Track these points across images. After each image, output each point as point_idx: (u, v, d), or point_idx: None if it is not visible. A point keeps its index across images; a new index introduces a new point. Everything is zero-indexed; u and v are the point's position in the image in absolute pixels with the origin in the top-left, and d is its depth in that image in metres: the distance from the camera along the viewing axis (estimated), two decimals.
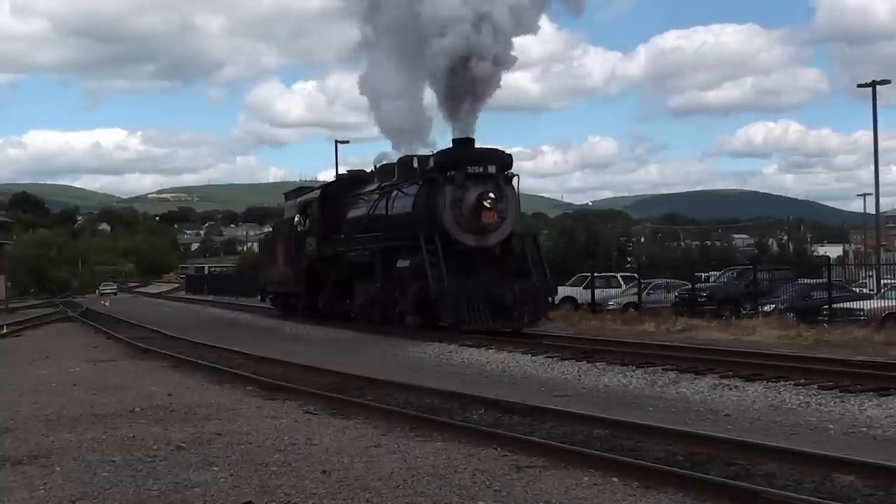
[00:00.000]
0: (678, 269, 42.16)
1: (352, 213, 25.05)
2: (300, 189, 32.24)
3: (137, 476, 7.44)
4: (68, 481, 7.38)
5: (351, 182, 26.90)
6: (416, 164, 22.13)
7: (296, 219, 28.66)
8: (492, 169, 20.21)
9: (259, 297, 36.75)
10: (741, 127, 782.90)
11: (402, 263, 20.55)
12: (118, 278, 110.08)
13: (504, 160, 20.61)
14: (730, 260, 55.25)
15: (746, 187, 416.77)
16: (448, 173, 20.08)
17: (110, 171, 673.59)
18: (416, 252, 20.00)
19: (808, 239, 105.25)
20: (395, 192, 22.26)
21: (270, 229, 36.23)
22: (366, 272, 23.06)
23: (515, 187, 20.99)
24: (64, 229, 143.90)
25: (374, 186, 24.40)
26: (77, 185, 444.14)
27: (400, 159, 23.27)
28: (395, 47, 24.01)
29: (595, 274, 33.20)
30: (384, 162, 25.07)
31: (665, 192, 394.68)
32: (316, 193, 27.98)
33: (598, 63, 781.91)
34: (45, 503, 6.81)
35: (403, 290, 20.73)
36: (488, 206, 19.88)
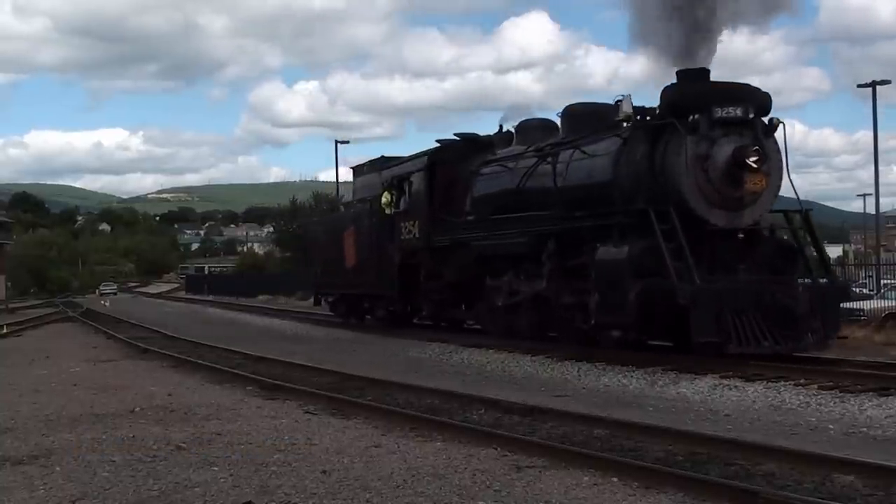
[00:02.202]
0: None
1: (482, 188, 18.46)
2: (380, 161, 23.90)
3: (137, 476, 7.44)
4: (68, 481, 7.38)
5: (467, 148, 19.92)
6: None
7: (383, 198, 21.56)
8: (751, 112, 13.70)
9: (313, 301, 30.17)
10: None
11: (610, 253, 13.88)
12: (118, 278, 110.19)
13: (762, 101, 14.05)
14: None
15: None
16: (691, 117, 13.50)
17: (111, 171, 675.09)
18: (632, 235, 13.66)
19: (807, 239, 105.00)
20: (570, 153, 15.65)
21: (331, 214, 28.88)
22: (510, 267, 17.14)
23: (780, 141, 14.05)
24: (64, 229, 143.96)
25: (511, 150, 18.20)
26: (78, 185, 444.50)
27: (569, 110, 16.78)
28: None
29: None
30: (521, 121, 18.78)
31: None
32: (420, 162, 20.64)
33: (600, 63, 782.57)
34: (45, 503, 6.81)
35: (609, 291, 13.78)
36: (754, 165, 13.43)
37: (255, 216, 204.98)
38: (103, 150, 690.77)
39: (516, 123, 18.77)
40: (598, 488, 6.71)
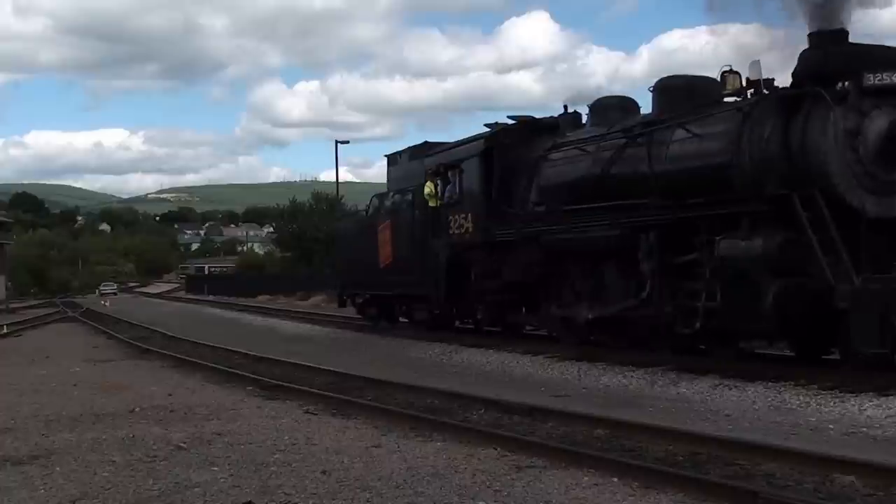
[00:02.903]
0: None
1: (553, 175, 15.97)
2: (423, 148, 21.21)
3: (137, 476, 7.44)
4: (68, 481, 7.38)
5: (528, 132, 17.51)
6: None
7: (427, 189, 19.15)
8: None
9: (338, 303, 27.16)
10: None
11: (737, 247, 11.76)
12: (118, 278, 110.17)
13: None
14: None
15: None
16: (839, 85, 11.48)
17: (112, 171, 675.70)
18: (765, 226, 11.63)
19: None
20: (670, 132, 13.53)
21: (361, 210, 25.29)
22: (590, 264, 14.95)
23: None
24: (64, 229, 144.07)
25: (587, 131, 15.91)
26: (78, 185, 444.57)
27: (663, 84, 14.37)
28: None
29: None
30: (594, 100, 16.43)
31: None
32: (474, 147, 18.07)
33: (600, 63, 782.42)
34: (45, 503, 6.81)
35: (736, 293, 11.77)
36: None
37: (255, 216, 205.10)
38: (103, 150, 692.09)
39: (589, 104, 16.40)
40: (599, 488, 6.71)
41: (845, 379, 10.86)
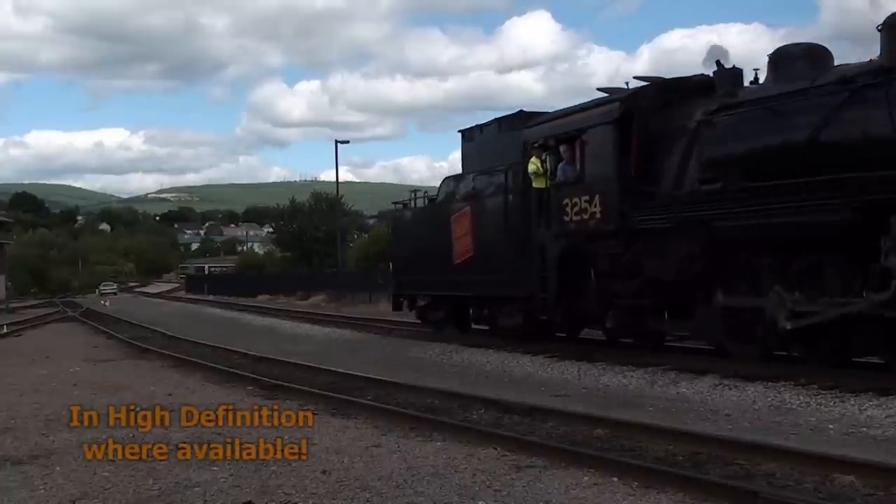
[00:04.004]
0: None
1: (724, 143, 12.68)
2: (519, 117, 17.49)
3: (137, 476, 7.43)
4: (68, 481, 7.38)
5: (674, 93, 14.22)
6: None
7: (530, 166, 15.64)
8: None
9: (392, 305, 23.04)
10: None
11: None
12: (118, 278, 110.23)
13: None
14: None
15: None
16: None
17: (112, 170, 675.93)
18: None
19: None
20: None
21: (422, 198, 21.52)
22: (788, 258, 11.91)
23: None
24: (64, 229, 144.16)
25: (769, 88, 12.55)
26: (78, 184, 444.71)
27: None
28: None
29: None
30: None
31: None
32: (604, 113, 14.45)
33: (602, 62, 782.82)
34: (46, 503, 6.81)
35: None
36: None
37: (255, 216, 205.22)
38: (104, 150, 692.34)
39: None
40: (598, 488, 6.71)
41: (845, 379, 10.87)
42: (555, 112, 16.51)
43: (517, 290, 16.37)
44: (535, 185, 15.68)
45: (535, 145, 15.69)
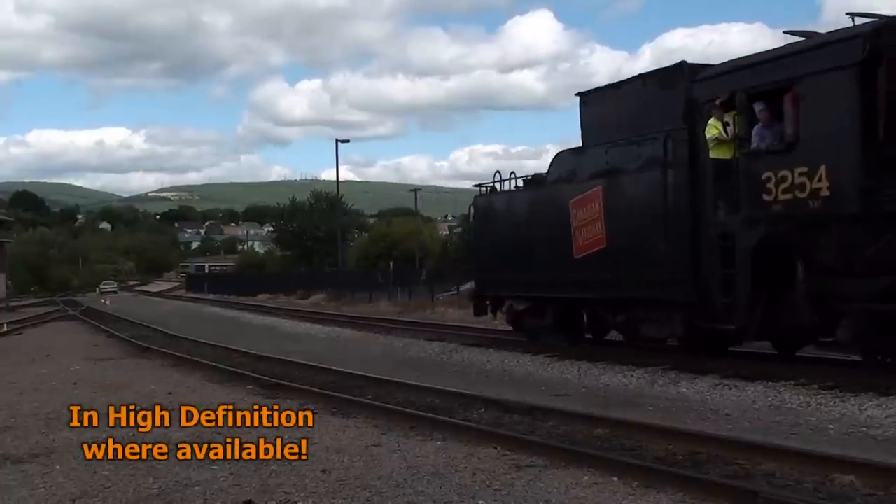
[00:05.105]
0: None
1: None
2: (678, 70, 13.67)
3: (137, 475, 7.44)
4: (68, 480, 7.39)
5: None
6: None
7: (711, 129, 12.25)
8: None
9: (474, 310, 19.53)
10: None
11: None
12: (118, 277, 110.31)
13: None
14: None
15: None
16: None
17: (113, 169, 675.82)
18: None
19: None
20: None
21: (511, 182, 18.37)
22: None
23: None
24: (64, 228, 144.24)
25: None
26: (79, 183, 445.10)
27: None
28: None
29: None
30: None
31: None
32: (838, 53, 10.94)
33: (604, 62, 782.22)
34: (46, 501, 6.81)
35: None
36: None
37: (256, 215, 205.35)
38: (105, 149, 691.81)
39: None
40: (598, 487, 6.71)
41: (845, 379, 10.86)
42: (742, 59, 12.86)
43: (677, 292, 13.05)
44: (713, 154, 12.38)
45: (716, 104, 12.33)
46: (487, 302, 18.62)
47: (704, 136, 12.42)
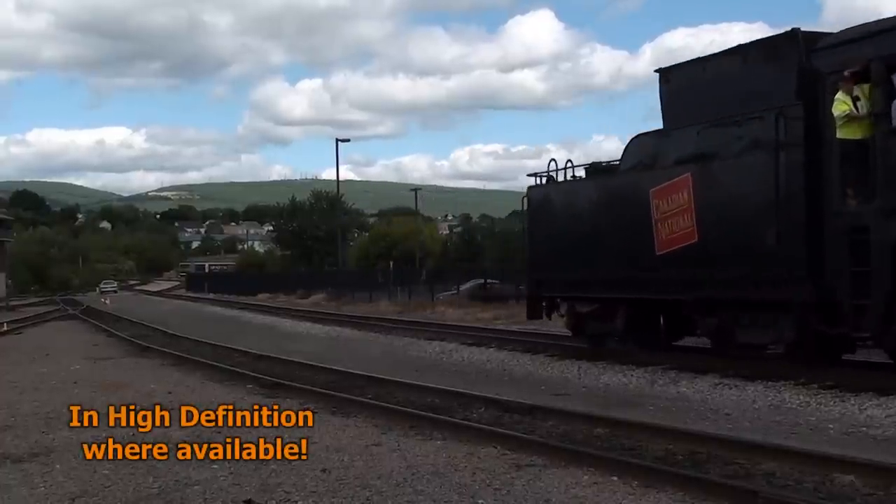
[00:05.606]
0: None
1: None
2: (791, 38, 11.87)
3: (137, 474, 7.43)
4: (68, 479, 7.39)
5: None
6: None
7: (839, 105, 10.70)
8: None
9: (528, 312, 17.31)
10: None
11: None
12: (119, 276, 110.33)
13: None
14: None
15: None
16: None
17: (114, 168, 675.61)
18: None
19: None
20: None
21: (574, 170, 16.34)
22: None
23: None
24: (64, 227, 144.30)
25: None
26: (79, 182, 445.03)
27: None
28: None
29: None
30: None
31: None
32: None
33: (604, 62, 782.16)
34: (45, 501, 6.81)
35: None
36: None
37: (256, 215, 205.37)
38: (105, 148, 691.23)
39: None
40: (598, 487, 6.71)
41: (845, 379, 10.86)
42: (877, 23, 11.20)
43: (792, 292, 11.45)
44: (841, 134, 10.77)
45: (845, 75, 10.69)
46: (543, 303, 16.80)
47: (826, 114, 10.81)
